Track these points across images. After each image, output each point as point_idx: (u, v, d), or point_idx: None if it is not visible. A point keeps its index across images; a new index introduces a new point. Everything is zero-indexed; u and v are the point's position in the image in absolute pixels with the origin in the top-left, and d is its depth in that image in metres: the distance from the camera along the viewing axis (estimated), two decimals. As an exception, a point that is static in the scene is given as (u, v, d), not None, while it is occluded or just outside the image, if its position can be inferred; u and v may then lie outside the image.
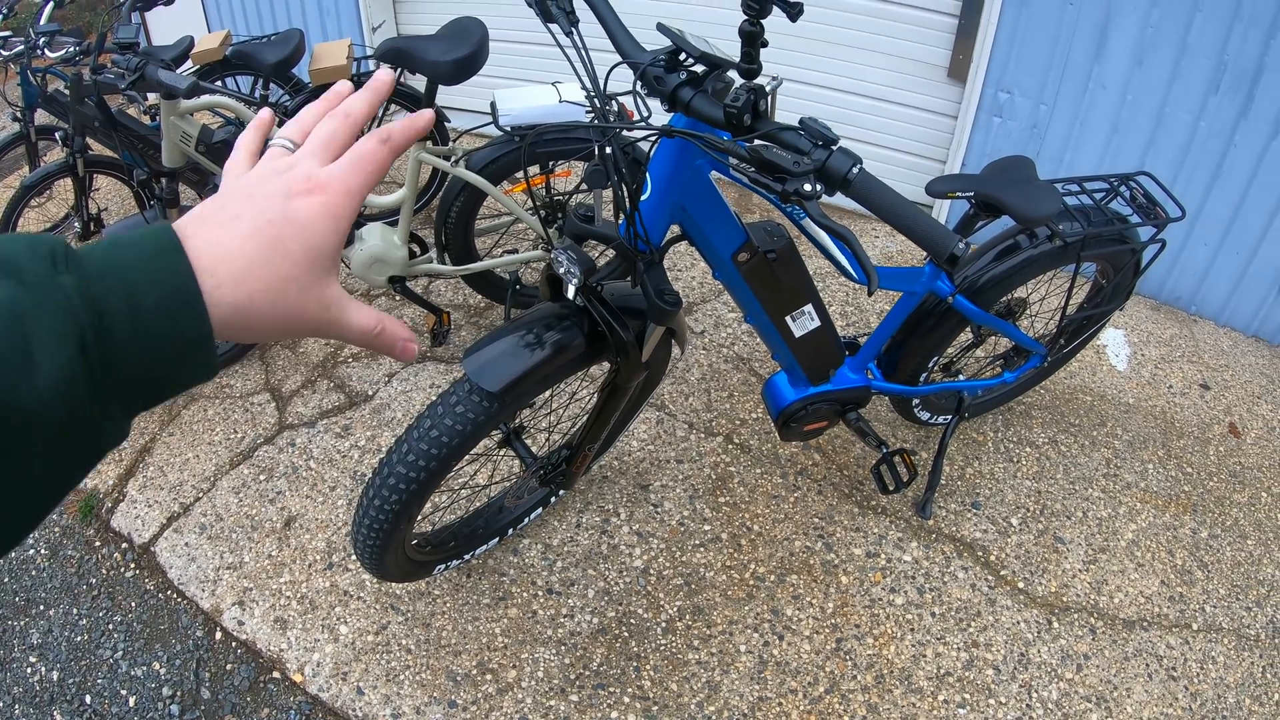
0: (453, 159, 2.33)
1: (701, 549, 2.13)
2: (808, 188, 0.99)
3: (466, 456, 1.62)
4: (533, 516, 2.13)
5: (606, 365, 1.64)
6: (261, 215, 0.44)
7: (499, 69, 3.22)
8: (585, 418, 1.84)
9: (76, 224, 2.72)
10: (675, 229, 1.50)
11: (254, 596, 2.11)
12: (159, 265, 0.39)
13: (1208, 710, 1.92)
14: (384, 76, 0.55)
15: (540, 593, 2.06)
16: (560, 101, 2.23)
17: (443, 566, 1.98)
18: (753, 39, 1.11)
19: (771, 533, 2.17)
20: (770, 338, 1.76)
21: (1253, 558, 2.25)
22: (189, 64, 2.91)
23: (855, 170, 1.00)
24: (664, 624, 2.00)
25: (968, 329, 2.20)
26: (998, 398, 2.40)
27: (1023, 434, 2.47)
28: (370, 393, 2.54)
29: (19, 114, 2.75)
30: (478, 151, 2.33)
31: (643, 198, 1.39)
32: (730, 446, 2.39)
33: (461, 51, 2.17)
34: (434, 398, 1.56)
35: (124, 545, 2.28)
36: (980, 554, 2.16)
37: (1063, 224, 1.84)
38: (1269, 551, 2.28)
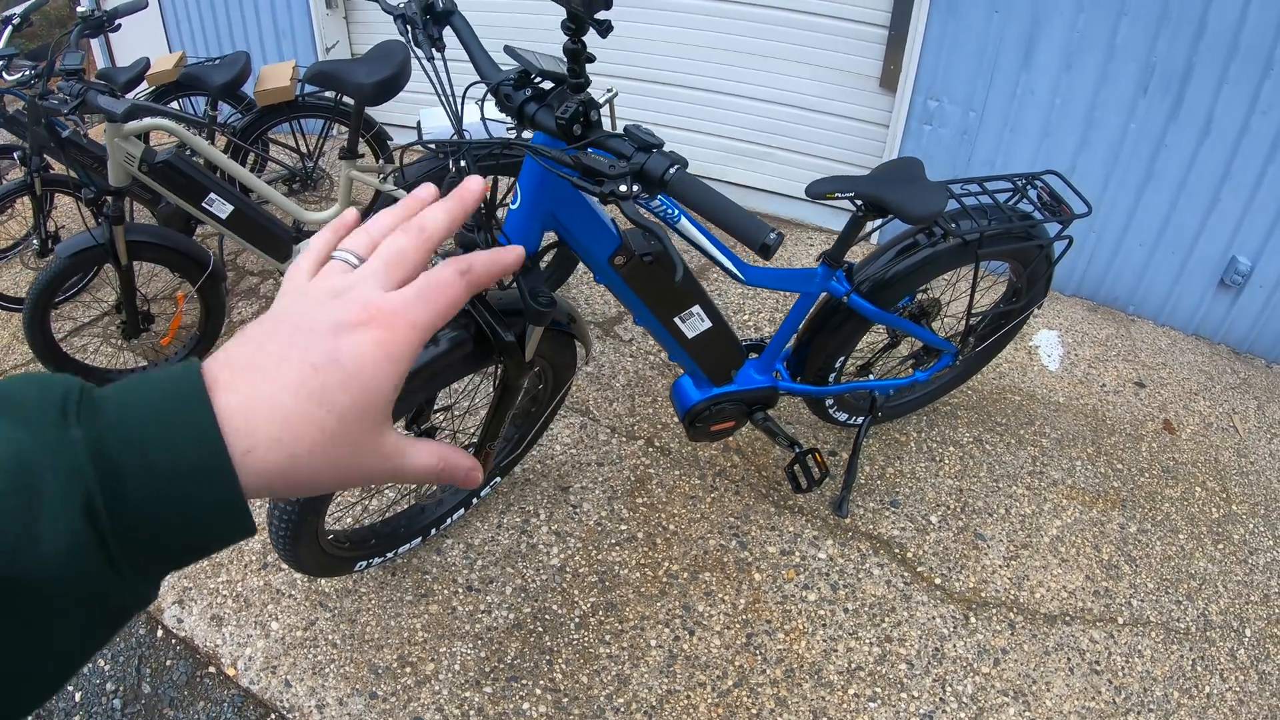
0: (380, 176, 2.39)
1: (617, 548, 2.15)
2: (623, 188, 1.04)
3: None
4: (455, 518, 2.16)
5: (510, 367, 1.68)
6: (305, 358, 0.38)
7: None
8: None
9: (35, 242, 2.81)
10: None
11: (193, 595, 2.15)
12: (181, 421, 0.35)
13: (1133, 703, 1.89)
14: (473, 187, 0.47)
15: (460, 590, 2.09)
16: (482, 119, 2.29)
17: (364, 564, 2.01)
18: (575, 56, 1.18)
19: (687, 532, 2.18)
20: (662, 339, 1.79)
21: (1184, 552, 2.23)
22: (144, 85, 3.00)
23: (672, 171, 1.05)
24: (577, 619, 2.01)
25: (884, 330, 2.22)
26: (918, 399, 2.40)
27: (947, 434, 2.47)
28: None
29: None
30: (409, 167, 2.39)
31: (513, 206, 1.44)
32: (651, 450, 2.41)
33: (383, 73, 2.26)
34: None
35: None
36: (897, 551, 2.16)
37: (963, 223, 1.85)
38: (1201, 545, 2.25)
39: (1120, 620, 2.05)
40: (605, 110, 1.38)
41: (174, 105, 3.28)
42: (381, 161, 2.90)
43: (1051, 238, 2.00)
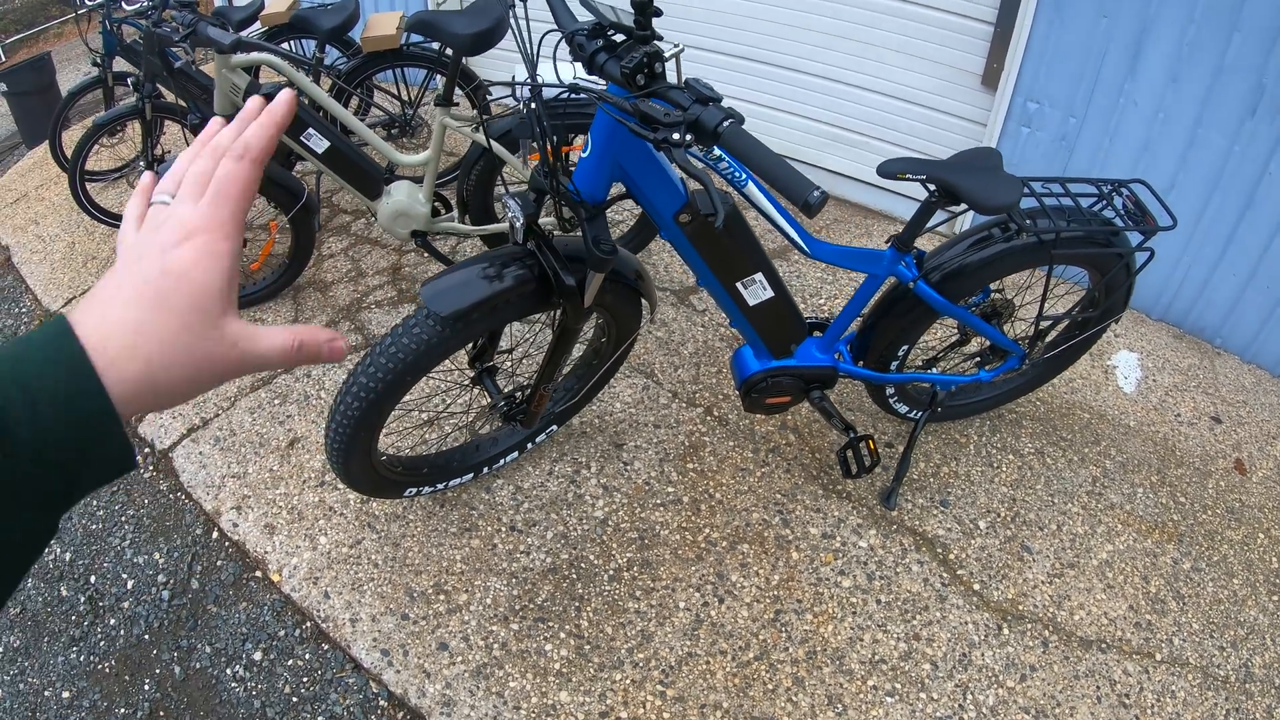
0: (473, 126, 2.41)
1: (661, 508, 2.14)
2: (675, 136, 1.05)
3: (431, 378, 1.69)
4: (509, 459, 2.18)
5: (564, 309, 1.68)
6: (139, 278, 0.42)
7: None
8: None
9: (142, 165, 2.92)
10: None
11: (251, 503, 2.23)
12: (50, 352, 0.38)
13: None
14: (253, 104, 0.50)
15: (503, 529, 2.11)
16: (575, 78, 2.29)
17: (414, 490, 2.05)
18: (643, 8, 1.19)
19: (732, 502, 2.16)
20: (724, 303, 1.76)
21: (1236, 597, 2.10)
22: (257, 25, 3.09)
23: (726, 124, 1.06)
24: (611, 572, 2.01)
25: (955, 325, 2.14)
26: (984, 401, 2.32)
27: (1009, 441, 2.38)
28: (384, 335, 2.65)
29: (98, 60, 2.97)
30: (499, 120, 2.41)
31: (583, 154, 1.43)
32: (709, 418, 2.39)
33: (481, 26, 2.29)
34: (395, 325, 1.63)
35: (146, 450, 2.43)
36: (939, 551, 2.09)
37: (1040, 221, 1.77)
38: (1255, 594, 2.12)
39: (1158, 656, 1.95)
40: (671, 65, 1.37)
41: (285, 46, 3.38)
42: (476, 111, 2.93)
43: (1132, 248, 1.89)
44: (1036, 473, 2.31)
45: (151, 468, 2.38)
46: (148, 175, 0.52)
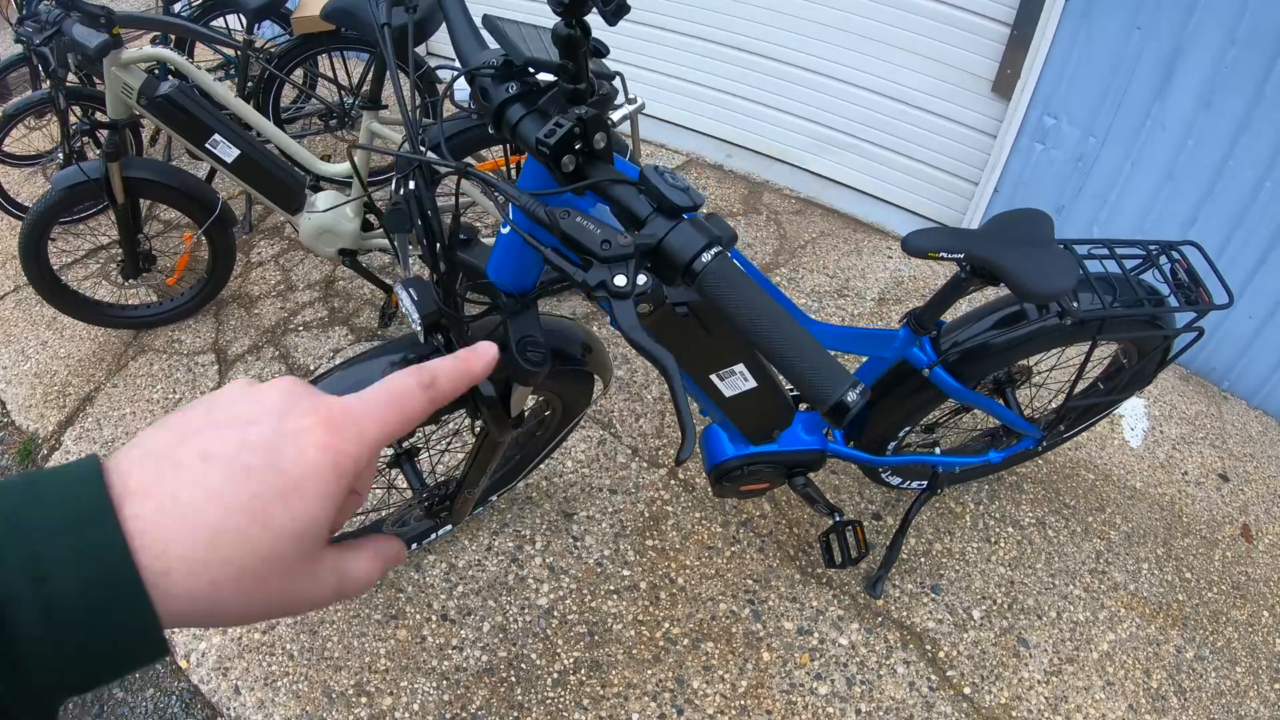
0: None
1: (615, 596, 1.82)
2: (620, 280, 0.63)
3: None
4: (441, 533, 1.84)
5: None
6: (238, 458, 0.30)
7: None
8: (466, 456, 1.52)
9: (59, 155, 2.46)
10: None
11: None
12: (80, 539, 0.27)
13: None
14: (488, 353, 0.39)
15: (434, 617, 1.78)
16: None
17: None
18: (571, 47, 0.74)
19: (696, 589, 1.84)
20: (695, 394, 1.41)
21: (1238, 688, 1.86)
22: (184, 1, 2.62)
23: (708, 257, 0.64)
24: (556, 675, 1.70)
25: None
26: (982, 467, 2.01)
27: (1008, 510, 2.09)
28: (312, 367, 2.26)
29: (20, 37, 2.49)
30: (434, 127, 1.99)
31: (503, 231, 1.05)
32: (673, 483, 2.06)
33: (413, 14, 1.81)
34: None
35: None
36: (929, 648, 1.81)
37: (1083, 295, 1.43)
38: (1257, 682, 1.88)
39: None
40: (624, 126, 0.95)
41: (219, 23, 2.89)
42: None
43: (1179, 328, 1.57)
44: (1037, 548, 2.02)
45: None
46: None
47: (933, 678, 1.76)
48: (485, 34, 0.95)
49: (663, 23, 3.04)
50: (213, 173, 2.49)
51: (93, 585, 0.27)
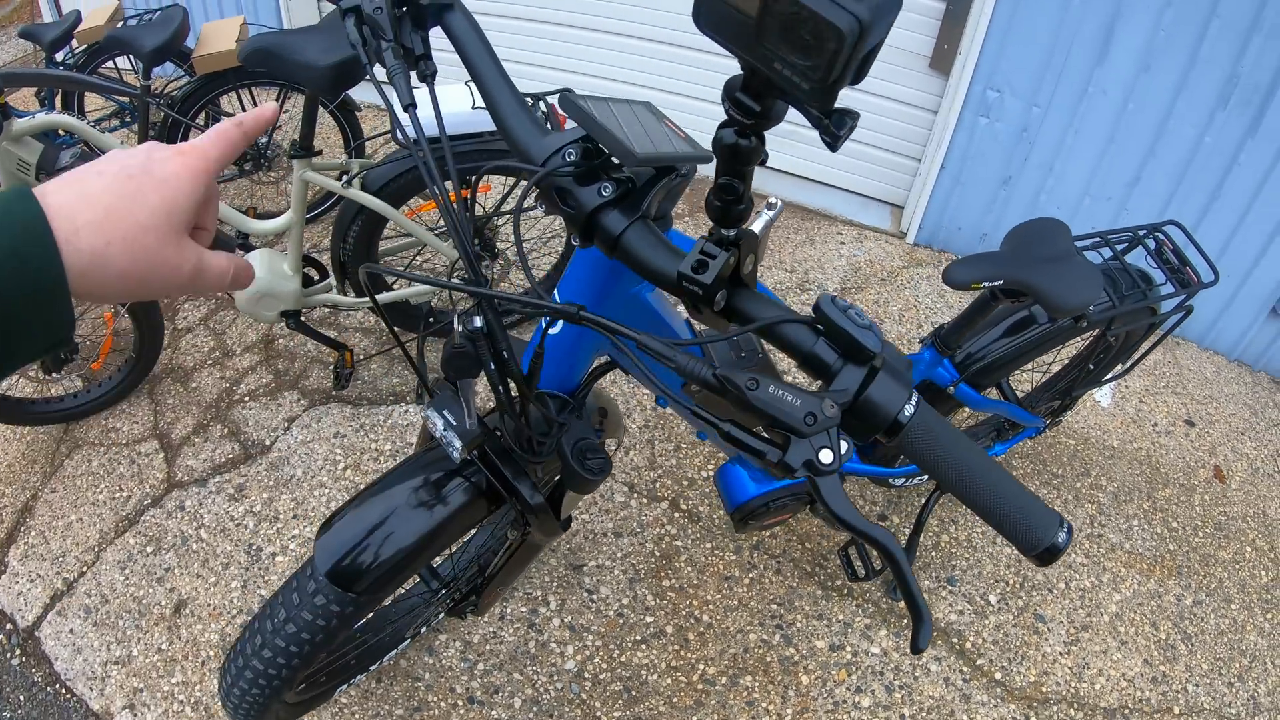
0: (344, 179, 1.80)
1: (643, 645, 1.74)
2: (827, 457, 0.54)
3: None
4: (443, 616, 1.71)
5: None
6: (123, 170, 0.44)
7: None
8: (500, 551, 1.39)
9: None
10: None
11: (145, 699, 1.68)
12: (10, 212, 0.38)
13: None
14: (266, 110, 0.55)
15: (460, 702, 1.66)
16: (474, 107, 1.72)
17: (344, 685, 1.56)
18: (742, 159, 0.56)
19: (723, 624, 1.78)
20: (727, 450, 1.33)
21: (1236, 625, 1.94)
22: (75, 44, 2.32)
23: (911, 410, 0.56)
24: (600, 741, 1.61)
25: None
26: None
27: (1001, 489, 2.09)
28: (268, 442, 2.07)
29: None
30: (376, 168, 1.81)
31: (552, 331, 0.93)
32: (676, 515, 1.98)
33: (345, 53, 1.62)
34: (289, 579, 1.09)
35: (8, 626, 1.82)
36: (955, 641, 1.80)
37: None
38: (1252, 616, 1.97)
39: (1176, 710, 1.77)
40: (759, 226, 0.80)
41: (111, 66, 2.59)
42: (348, 155, 2.27)
43: (1168, 308, 1.58)
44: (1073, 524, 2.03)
45: (19, 651, 1.77)
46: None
47: (965, 669, 1.76)
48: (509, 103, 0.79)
49: (587, 22, 2.89)
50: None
51: (18, 244, 0.37)
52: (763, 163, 0.59)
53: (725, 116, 0.54)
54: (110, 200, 0.41)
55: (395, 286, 2.11)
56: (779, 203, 0.76)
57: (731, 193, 0.58)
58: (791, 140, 2.86)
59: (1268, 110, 2.09)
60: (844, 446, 0.55)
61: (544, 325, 0.94)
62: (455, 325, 0.77)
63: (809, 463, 0.55)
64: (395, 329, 1.08)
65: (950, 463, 0.57)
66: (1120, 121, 2.24)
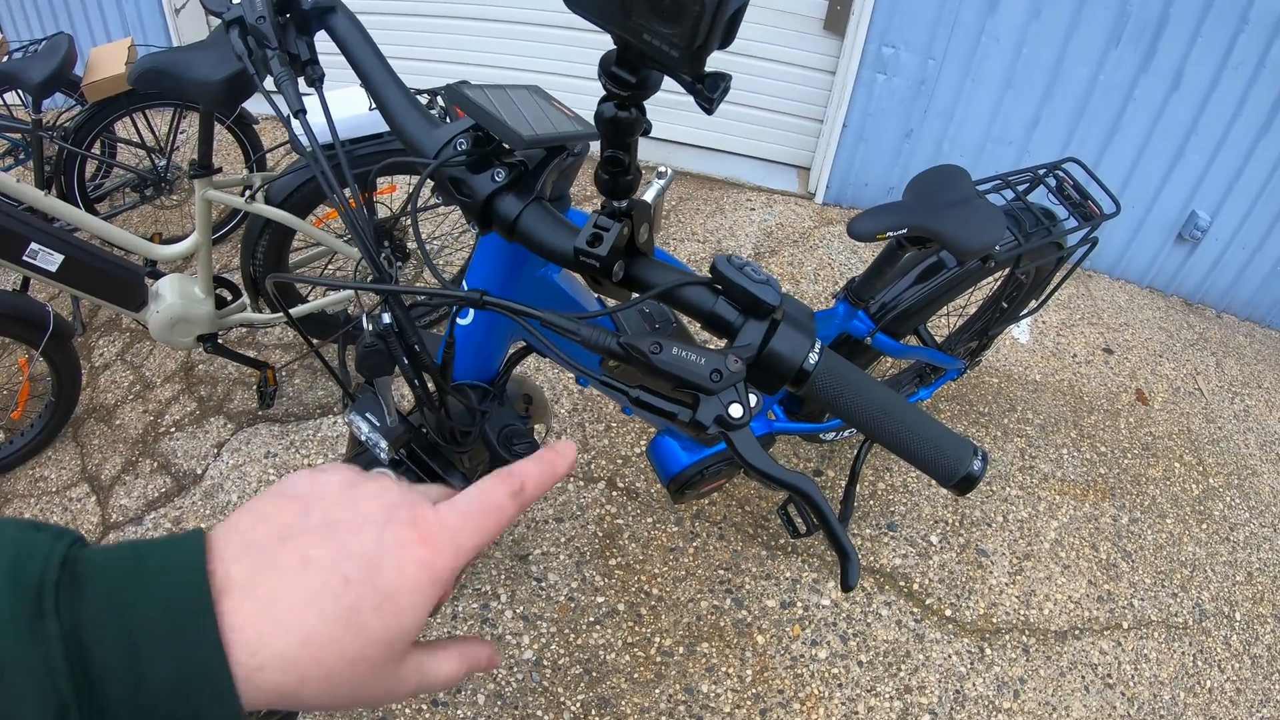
0: (247, 194, 1.76)
1: (598, 626, 1.75)
2: (737, 410, 0.53)
3: None
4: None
5: None
6: (338, 568, 0.31)
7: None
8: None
9: None
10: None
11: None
12: (178, 631, 0.28)
13: (1145, 713, 1.72)
14: (570, 452, 0.40)
15: (425, 705, 1.65)
16: (371, 108, 1.70)
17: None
18: (623, 130, 0.56)
19: (673, 595, 1.79)
20: (654, 423, 1.33)
21: (1173, 538, 2.03)
22: None
23: (815, 357, 0.56)
24: (566, 725, 1.62)
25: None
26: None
27: (935, 433, 2.14)
28: (199, 470, 2.02)
29: None
30: (278, 180, 1.77)
31: (463, 322, 0.92)
32: (615, 493, 1.98)
33: (236, 67, 1.58)
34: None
35: None
36: (903, 584, 1.84)
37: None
38: (1188, 528, 2.05)
39: (1125, 625, 1.84)
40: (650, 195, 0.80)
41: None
42: (249, 170, 2.22)
43: (1074, 242, 1.63)
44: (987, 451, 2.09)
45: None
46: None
47: (915, 610, 1.81)
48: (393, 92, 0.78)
49: (474, 12, 2.86)
50: (27, 282, 2.15)
51: (184, 675, 0.28)
52: (646, 133, 0.59)
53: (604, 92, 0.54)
54: (315, 623, 0.30)
55: (310, 298, 2.07)
56: (669, 171, 0.77)
57: (618, 165, 0.59)
58: (692, 112, 2.87)
59: (1159, 44, 2.16)
60: (753, 400, 0.56)
61: (453, 315, 0.94)
62: (364, 324, 0.77)
63: (720, 418, 0.55)
64: (313, 340, 1.06)
65: (860, 405, 0.58)
66: (1015, 67, 2.29)
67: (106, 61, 2.17)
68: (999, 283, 1.88)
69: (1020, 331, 2.45)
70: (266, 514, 0.32)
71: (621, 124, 0.55)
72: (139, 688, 0.27)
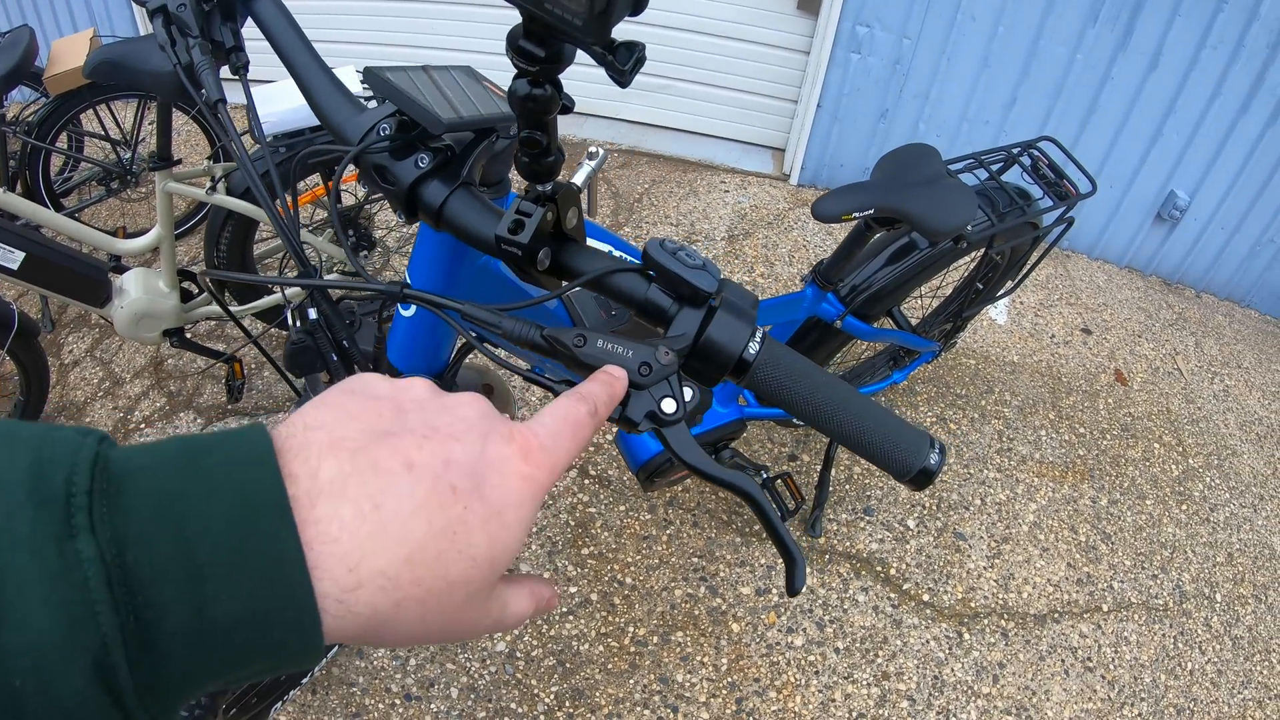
0: (208, 186, 1.72)
1: (571, 616, 1.73)
2: (670, 406, 0.49)
3: None
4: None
5: None
6: (445, 476, 0.27)
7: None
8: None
9: None
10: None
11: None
12: (253, 542, 0.23)
13: (1126, 695, 1.70)
14: (621, 373, 0.41)
15: (398, 700, 1.63)
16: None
17: (279, 704, 1.51)
18: (539, 108, 0.51)
19: (647, 584, 1.77)
20: (614, 407, 1.30)
21: (1153, 519, 2.01)
22: None
23: (756, 346, 0.52)
24: (542, 716, 1.60)
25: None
26: (889, 389, 2.02)
27: (908, 415, 2.13)
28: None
29: None
30: (239, 170, 1.73)
31: (405, 313, 0.89)
32: (586, 482, 1.96)
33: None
34: None
35: None
36: (880, 569, 1.83)
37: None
38: (1167, 509, 2.04)
39: (1104, 608, 1.83)
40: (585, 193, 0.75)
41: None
42: (211, 160, 2.17)
43: (1050, 221, 1.60)
44: (945, 443, 2.06)
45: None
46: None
47: (892, 596, 1.79)
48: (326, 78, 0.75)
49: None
50: (-11, 280, 2.11)
51: (259, 599, 0.23)
52: (566, 111, 0.56)
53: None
54: (422, 536, 0.26)
55: (273, 291, 2.04)
56: (600, 151, 0.73)
57: (536, 146, 0.54)
58: (669, 95, 2.83)
59: (1136, 23, 2.13)
60: (689, 393, 0.52)
61: (396, 307, 0.91)
62: (289, 320, 0.73)
63: (652, 414, 0.51)
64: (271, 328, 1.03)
65: (806, 396, 0.54)
66: (992, 46, 2.26)
67: (69, 53, 2.12)
68: (974, 263, 1.86)
69: (998, 312, 2.42)
70: (353, 411, 0.28)
71: (536, 102, 0.50)
72: (201, 617, 0.23)
